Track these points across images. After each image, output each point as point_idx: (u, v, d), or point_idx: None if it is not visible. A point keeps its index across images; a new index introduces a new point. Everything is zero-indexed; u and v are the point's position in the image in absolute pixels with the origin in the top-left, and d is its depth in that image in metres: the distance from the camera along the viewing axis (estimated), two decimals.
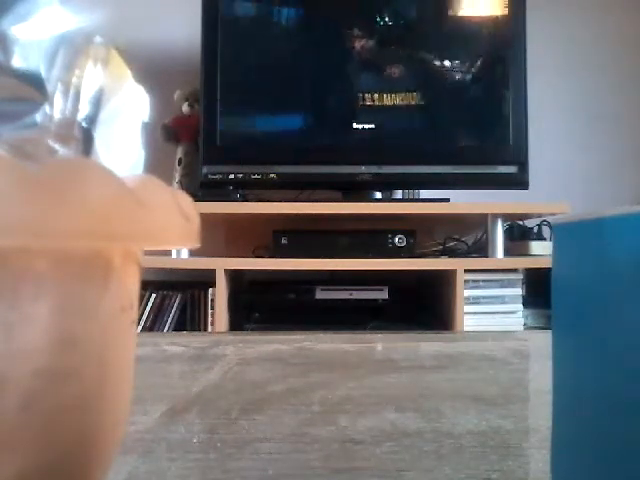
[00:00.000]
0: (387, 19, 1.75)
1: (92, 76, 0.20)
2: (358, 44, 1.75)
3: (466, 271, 1.60)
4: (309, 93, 1.75)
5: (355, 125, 1.73)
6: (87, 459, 0.17)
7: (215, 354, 0.60)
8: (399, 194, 1.93)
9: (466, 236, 1.92)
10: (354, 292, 1.66)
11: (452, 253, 1.84)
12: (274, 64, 1.75)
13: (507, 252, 1.70)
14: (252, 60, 1.74)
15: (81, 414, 0.16)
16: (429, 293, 1.80)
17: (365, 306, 1.67)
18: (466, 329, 1.59)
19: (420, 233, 1.73)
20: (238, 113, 1.73)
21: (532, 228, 1.79)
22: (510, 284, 1.66)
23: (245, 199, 1.77)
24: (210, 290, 1.62)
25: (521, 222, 1.84)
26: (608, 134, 2.03)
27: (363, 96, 1.74)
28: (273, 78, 1.74)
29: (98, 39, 0.20)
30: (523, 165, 1.71)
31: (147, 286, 1.71)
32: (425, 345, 0.66)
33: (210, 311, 1.64)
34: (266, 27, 1.75)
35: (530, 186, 1.71)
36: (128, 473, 0.27)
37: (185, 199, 0.18)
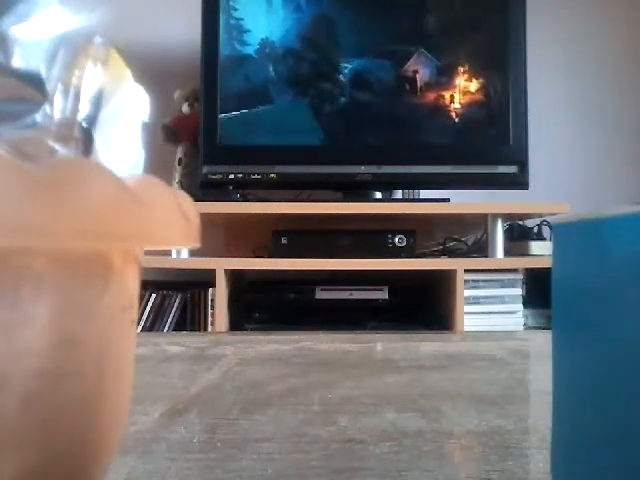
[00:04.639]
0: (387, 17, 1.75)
1: (92, 76, 0.20)
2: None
3: (466, 271, 1.60)
4: (310, 93, 1.75)
5: (356, 125, 1.73)
6: (87, 459, 0.17)
7: (215, 354, 0.60)
8: (399, 194, 1.93)
9: (466, 236, 1.92)
10: (354, 292, 1.66)
11: (452, 253, 1.84)
12: (274, 64, 1.75)
13: (507, 252, 1.70)
14: (252, 60, 1.74)
15: (81, 414, 0.16)
16: (429, 293, 1.80)
17: (365, 306, 1.67)
18: (466, 329, 1.59)
19: (420, 233, 1.73)
20: (238, 113, 1.73)
21: (532, 228, 1.79)
22: (510, 284, 1.66)
23: (245, 199, 1.77)
24: (210, 290, 1.62)
25: (521, 222, 1.84)
26: (608, 134, 2.03)
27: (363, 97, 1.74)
28: (273, 78, 1.74)
29: (98, 39, 0.20)
30: (523, 165, 1.71)
31: (147, 286, 1.70)
32: (425, 345, 0.66)
33: (210, 311, 1.63)
34: (266, 26, 1.75)
35: (530, 186, 1.71)
36: (128, 473, 0.27)
37: (185, 199, 0.18)
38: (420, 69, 1.75)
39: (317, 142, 1.74)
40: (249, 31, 1.74)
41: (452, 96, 1.75)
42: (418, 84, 1.75)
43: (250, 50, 1.74)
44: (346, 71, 1.75)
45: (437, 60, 1.75)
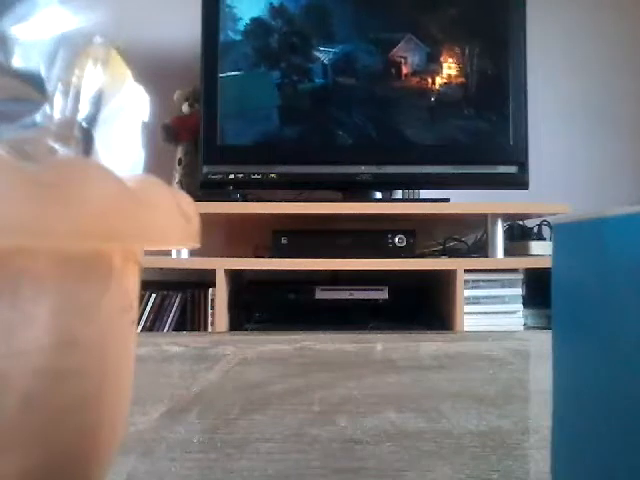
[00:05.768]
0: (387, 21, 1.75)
1: (92, 76, 0.20)
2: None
3: (466, 271, 1.60)
4: (310, 92, 1.75)
5: (355, 125, 1.73)
6: (87, 459, 0.17)
7: (215, 354, 0.60)
8: (399, 194, 1.93)
9: (466, 236, 1.92)
10: (354, 292, 1.66)
11: (452, 253, 1.84)
12: (274, 64, 1.75)
13: (507, 252, 1.70)
14: (252, 60, 1.74)
15: (81, 414, 0.16)
16: (429, 293, 1.80)
17: (365, 306, 1.67)
18: (466, 329, 1.59)
19: (420, 233, 1.73)
20: (238, 113, 1.73)
21: (532, 228, 1.79)
22: (510, 284, 1.66)
23: (245, 199, 1.77)
24: (210, 290, 1.62)
25: (521, 222, 1.84)
26: (608, 134, 2.03)
27: (364, 97, 1.74)
28: (273, 78, 1.74)
29: (98, 39, 0.20)
30: (523, 165, 1.71)
31: (147, 286, 1.70)
32: (425, 345, 0.66)
33: (210, 311, 1.63)
34: (266, 26, 1.75)
35: (530, 186, 1.71)
36: (128, 473, 0.27)
37: (185, 199, 0.18)
38: (417, 66, 1.75)
39: (317, 142, 1.74)
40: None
41: (452, 97, 1.75)
42: (425, 86, 1.75)
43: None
44: (337, 60, 1.75)
45: (436, 58, 1.75)
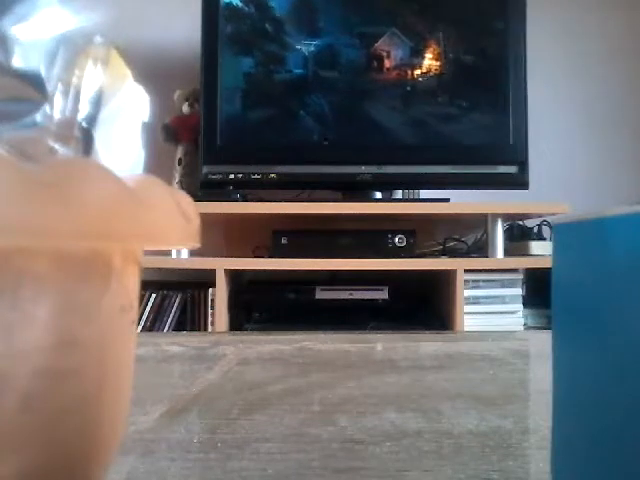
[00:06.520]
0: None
1: (92, 76, 0.20)
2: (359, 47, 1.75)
3: (466, 271, 1.60)
4: (310, 92, 1.75)
5: (355, 125, 1.73)
6: (87, 459, 0.17)
7: (215, 354, 0.60)
8: (399, 194, 1.93)
9: (466, 236, 1.92)
10: (354, 292, 1.66)
11: (452, 253, 1.84)
12: (274, 63, 1.75)
13: (507, 252, 1.70)
14: (252, 60, 1.74)
15: (81, 414, 0.16)
16: (429, 293, 1.80)
17: (365, 306, 1.67)
18: (466, 329, 1.59)
19: (420, 233, 1.73)
20: (238, 113, 1.73)
21: (532, 228, 1.79)
22: (510, 284, 1.66)
23: (245, 199, 1.77)
24: (210, 290, 1.62)
25: (521, 222, 1.84)
26: (608, 134, 2.03)
27: (364, 98, 1.74)
28: (273, 77, 1.74)
29: (98, 39, 0.20)
30: (523, 165, 1.71)
31: (147, 286, 1.71)
32: (425, 345, 0.66)
33: (210, 311, 1.64)
34: (266, 26, 1.75)
35: (530, 186, 1.71)
36: (128, 473, 0.27)
37: (185, 199, 0.18)
38: (411, 65, 1.75)
39: (317, 142, 1.74)
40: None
41: (452, 96, 1.75)
42: (427, 87, 1.76)
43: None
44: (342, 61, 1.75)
45: (437, 62, 1.75)
